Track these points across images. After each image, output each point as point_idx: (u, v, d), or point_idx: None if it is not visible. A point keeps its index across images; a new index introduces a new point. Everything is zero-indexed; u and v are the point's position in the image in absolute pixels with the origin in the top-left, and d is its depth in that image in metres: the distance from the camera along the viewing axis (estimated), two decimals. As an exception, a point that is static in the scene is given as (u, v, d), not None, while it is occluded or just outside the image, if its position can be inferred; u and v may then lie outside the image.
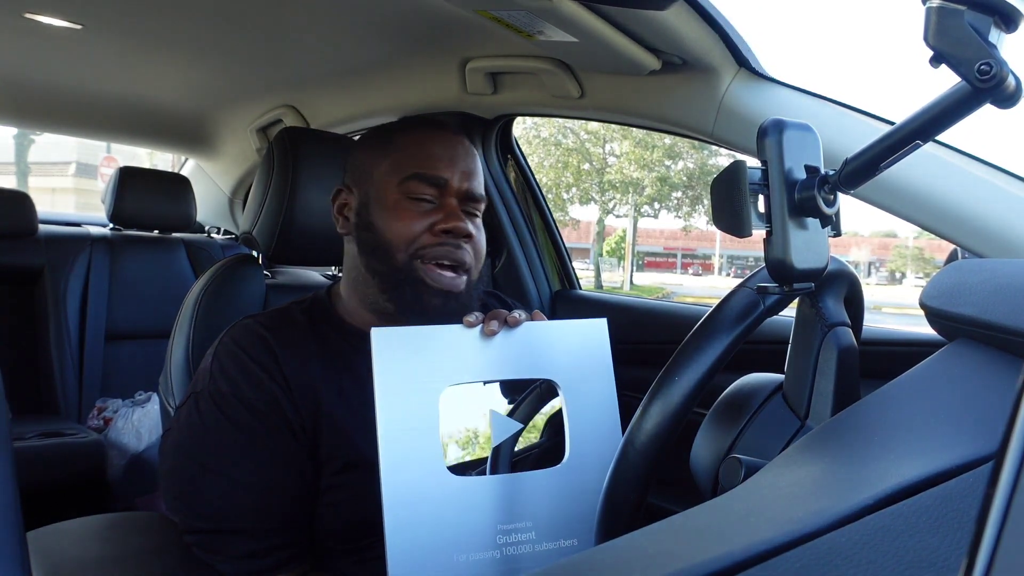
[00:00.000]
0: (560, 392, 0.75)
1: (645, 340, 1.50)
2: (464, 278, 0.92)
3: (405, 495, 0.67)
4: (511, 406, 0.75)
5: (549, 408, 0.76)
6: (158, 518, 1.00)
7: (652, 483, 0.54)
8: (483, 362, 0.73)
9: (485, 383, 0.74)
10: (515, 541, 0.70)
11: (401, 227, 0.91)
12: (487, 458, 0.73)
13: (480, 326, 0.74)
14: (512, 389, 0.76)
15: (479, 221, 0.97)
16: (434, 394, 0.70)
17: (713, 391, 0.59)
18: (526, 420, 0.76)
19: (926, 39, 0.46)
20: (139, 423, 2.08)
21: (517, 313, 0.77)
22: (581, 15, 1.06)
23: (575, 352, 0.76)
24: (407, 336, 0.71)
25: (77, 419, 2.24)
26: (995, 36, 0.45)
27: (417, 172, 0.92)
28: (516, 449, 0.75)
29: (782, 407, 0.61)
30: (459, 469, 0.71)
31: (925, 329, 0.62)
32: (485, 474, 0.72)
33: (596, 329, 0.78)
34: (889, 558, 0.32)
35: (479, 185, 0.96)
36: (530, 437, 0.76)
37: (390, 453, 0.67)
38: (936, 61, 0.46)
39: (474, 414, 0.73)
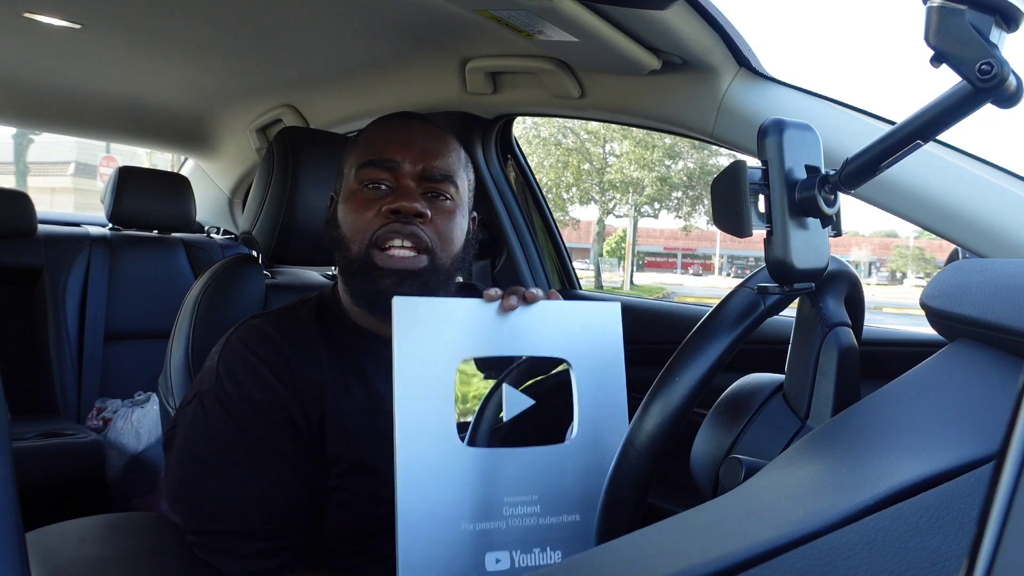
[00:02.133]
0: (571, 371, 0.76)
1: (645, 340, 1.50)
2: (424, 258, 0.90)
3: (418, 462, 0.68)
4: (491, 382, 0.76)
5: (530, 381, 0.78)
6: (157, 519, 1.00)
7: (652, 483, 0.54)
8: (499, 337, 0.74)
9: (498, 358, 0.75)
10: (521, 513, 0.71)
11: (354, 217, 0.91)
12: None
13: (499, 301, 0.75)
14: (491, 365, 0.77)
15: (448, 204, 0.94)
16: (450, 365, 0.71)
17: (713, 391, 0.59)
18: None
19: (927, 39, 0.46)
20: (138, 423, 2.08)
21: (535, 290, 0.77)
22: (581, 15, 1.06)
23: (588, 333, 0.77)
24: (427, 306, 0.72)
25: (76, 419, 2.24)
26: (996, 36, 0.45)
27: (369, 159, 0.92)
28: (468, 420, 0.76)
29: (782, 407, 0.61)
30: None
31: (926, 329, 0.62)
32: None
33: (609, 311, 0.79)
34: (890, 559, 0.32)
35: (443, 166, 0.93)
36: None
37: (406, 420, 0.68)
38: (937, 61, 0.46)
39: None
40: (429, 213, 0.90)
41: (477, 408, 0.75)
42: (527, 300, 0.76)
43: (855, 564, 0.32)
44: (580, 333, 0.77)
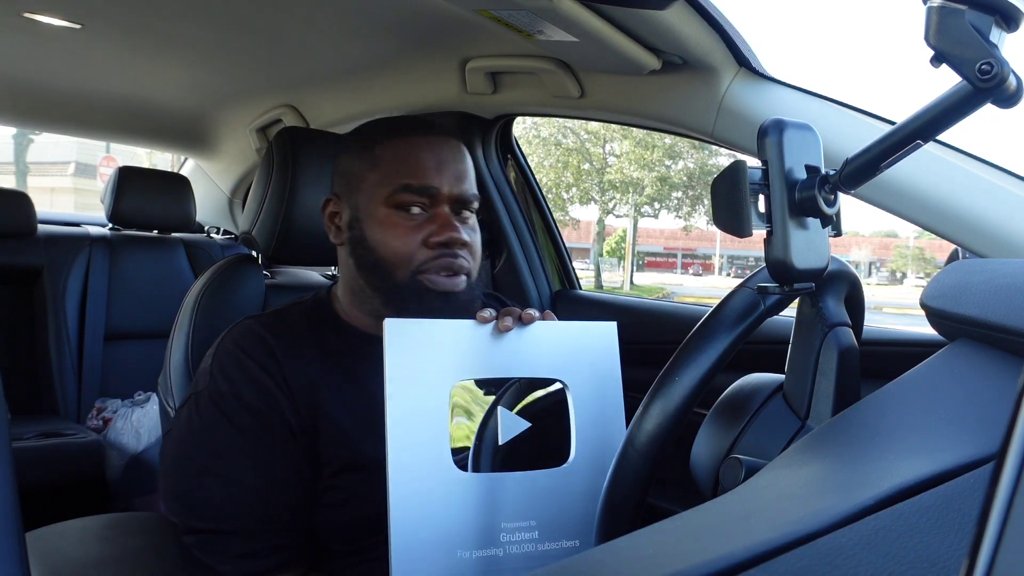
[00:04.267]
0: (568, 393, 0.75)
1: (645, 340, 1.50)
2: (463, 279, 0.91)
3: (411, 488, 0.66)
4: (490, 399, 0.75)
5: (525, 403, 0.76)
6: (157, 518, 1.00)
7: (652, 483, 0.54)
8: (493, 359, 0.73)
9: (494, 380, 0.74)
10: (518, 540, 0.70)
11: (397, 244, 0.89)
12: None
13: (494, 323, 0.74)
14: (489, 383, 0.76)
15: (473, 220, 0.95)
16: (444, 388, 0.70)
17: (713, 391, 0.59)
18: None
19: (927, 39, 0.46)
20: (138, 423, 2.08)
21: (531, 311, 0.77)
22: (581, 15, 1.06)
23: (584, 354, 0.76)
24: (420, 328, 0.71)
25: (76, 419, 2.24)
26: (996, 35, 0.45)
27: (406, 184, 0.90)
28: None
29: (782, 407, 0.61)
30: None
31: (926, 329, 0.62)
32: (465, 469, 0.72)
33: (606, 332, 0.78)
34: (890, 559, 0.32)
35: (471, 186, 0.94)
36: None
37: (398, 445, 0.67)
38: (937, 61, 0.46)
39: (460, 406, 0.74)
40: (470, 239, 0.91)
41: (473, 432, 0.74)
42: (523, 321, 0.75)
43: (855, 564, 0.32)
44: (577, 354, 0.76)
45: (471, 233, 0.93)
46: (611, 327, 0.78)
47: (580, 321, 0.78)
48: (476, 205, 0.95)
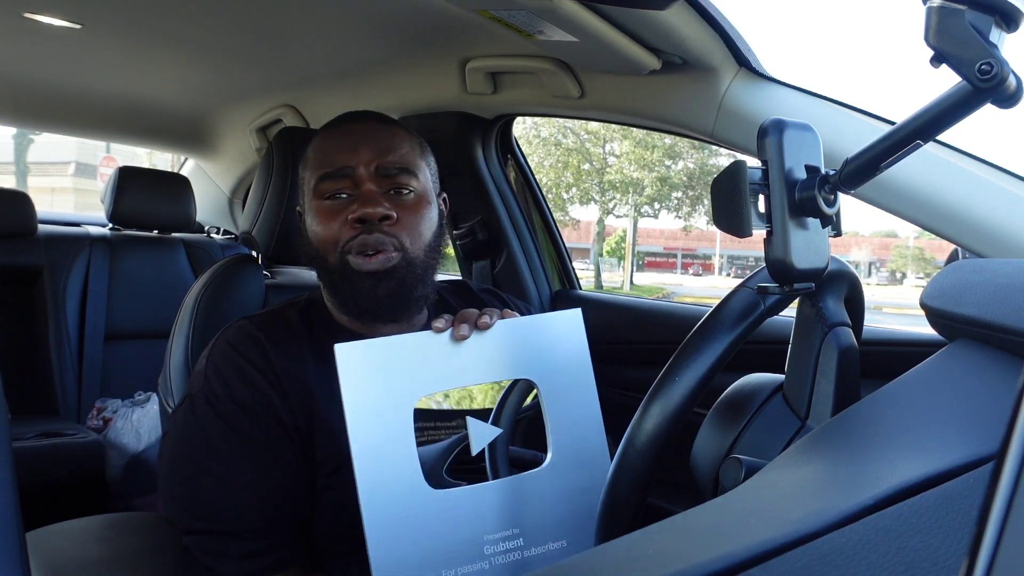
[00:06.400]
0: (539, 391, 0.72)
1: (645, 340, 1.50)
2: (396, 255, 0.90)
3: (385, 513, 0.64)
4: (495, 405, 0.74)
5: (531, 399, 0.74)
6: (157, 518, 1.00)
7: (652, 483, 0.54)
8: (456, 368, 0.70)
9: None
10: (503, 549, 0.68)
11: (321, 229, 0.92)
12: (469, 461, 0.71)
13: (450, 331, 0.72)
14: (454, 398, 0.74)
15: (411, 197, 0.93)
16: (407, 408, 0.67)
17: (713, 391, 0.59)
18: (511, 417, 0.73)
19: (927, 39, 0.46)
20: (138, 423, 2.08)
21: (487, 317, 0.73)
22: (581, 15, 1.06)
23: (551, 347, 0.73)
24: (374, 349, 0.68)
25: (76, 419, 2.24)
26: (996, 36, 0.45)
27: (322, 173, 0.93)
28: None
29: (782, 407, 0.61)
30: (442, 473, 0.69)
31: (925, 329, 0.62)
32: (486, 478, 0.70)
33: (571, 321, 0.74)
34: (889, 558, 0.32)
35: (397, 159, 0.93)
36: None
37: (366, 472, 0.64)
38: (937, 61, 0.46)
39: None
40: (394, 214, 0.90)
41: (444, 448, 0.72)
42: (479, 328, 0.72)
43: (855, 564, 0.32)
44: (543, 349, 0.73)
45: (404, 209, 0.92)
46: (575, 314, 0.75)
47: (542, 314, 0.77)
48: (407, 179, 0.93)
